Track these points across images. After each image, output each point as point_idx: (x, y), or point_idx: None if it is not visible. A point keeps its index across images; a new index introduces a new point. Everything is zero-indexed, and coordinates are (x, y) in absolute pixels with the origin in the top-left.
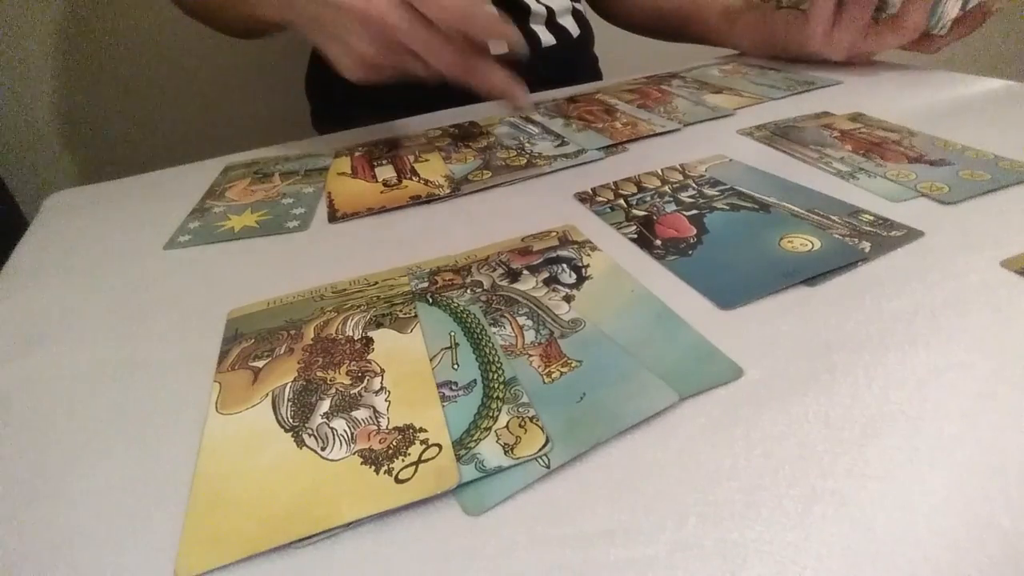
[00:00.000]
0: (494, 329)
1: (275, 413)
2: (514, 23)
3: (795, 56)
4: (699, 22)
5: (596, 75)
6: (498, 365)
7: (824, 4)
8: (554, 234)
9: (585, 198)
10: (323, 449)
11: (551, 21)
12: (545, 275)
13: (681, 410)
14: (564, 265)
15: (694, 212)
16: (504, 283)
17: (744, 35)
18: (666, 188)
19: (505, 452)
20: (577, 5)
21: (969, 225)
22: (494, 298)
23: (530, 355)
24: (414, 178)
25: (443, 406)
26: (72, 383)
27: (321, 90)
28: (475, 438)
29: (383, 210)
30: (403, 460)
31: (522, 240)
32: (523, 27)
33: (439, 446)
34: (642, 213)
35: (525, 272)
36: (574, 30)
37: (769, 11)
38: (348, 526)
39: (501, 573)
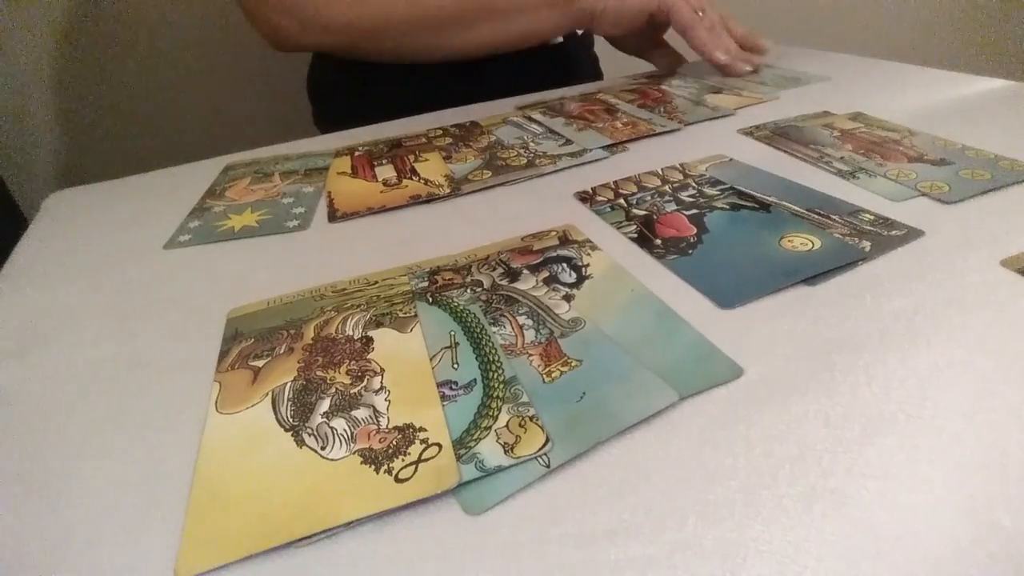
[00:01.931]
0: (494, 328)
1: (275, 412)
2: None
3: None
4: None
5: (597, 74)
6: (498, 364)
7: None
8: (554, 233)
9: (585, 198)
10: (323, 449)
11: None
12: (545, 274)
13: (681, 410)
14: (564, 264)
15: (694, 211)
16: (504, 282)
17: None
18: (666, 188)
19: (505, 451)
20: None
21: (969, 224)
22: (494, 297)
23: (530, 354)
24: (414, 178)
25: (443, 405)
26: (72, 383)
27: (323, 90)
28: (475, 437)
29: (383, 210)
30: (403, 460)
31: (522, 239)
32: None
33: (439, 445)
34: (642, 212)
35: (525, 271)
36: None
37: None
38: (348, 526)
39: (501, 573)
